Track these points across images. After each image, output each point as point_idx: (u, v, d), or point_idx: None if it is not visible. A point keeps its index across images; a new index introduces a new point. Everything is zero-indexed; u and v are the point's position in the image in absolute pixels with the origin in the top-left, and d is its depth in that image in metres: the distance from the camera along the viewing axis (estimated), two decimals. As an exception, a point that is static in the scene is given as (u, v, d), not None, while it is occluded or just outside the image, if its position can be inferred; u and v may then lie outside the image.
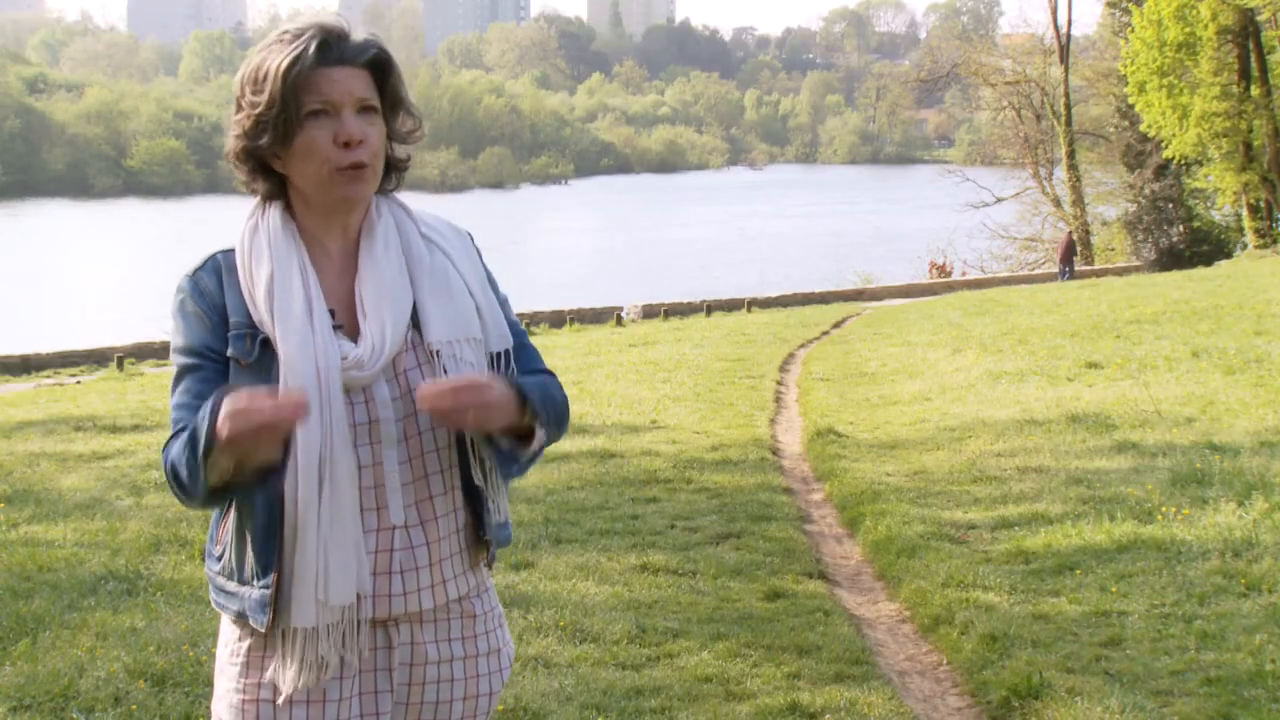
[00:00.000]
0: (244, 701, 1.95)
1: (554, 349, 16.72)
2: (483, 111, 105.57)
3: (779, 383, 12.66)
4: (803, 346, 16.52)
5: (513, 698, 4.09)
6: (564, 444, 8.70)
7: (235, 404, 1.72)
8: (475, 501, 2.02)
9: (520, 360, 2.08)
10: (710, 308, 25.57)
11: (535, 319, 23.44)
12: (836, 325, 19.87)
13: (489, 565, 2.09)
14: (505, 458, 2.00)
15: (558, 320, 23.74)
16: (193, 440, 1.80)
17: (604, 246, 56.73)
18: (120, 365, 18.24)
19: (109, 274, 44.00)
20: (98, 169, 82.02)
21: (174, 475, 1.87)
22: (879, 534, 6.38)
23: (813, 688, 4.28)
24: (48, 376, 18.27)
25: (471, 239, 2.12)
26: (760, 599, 5.31)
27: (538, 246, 58.13)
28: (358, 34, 1.94)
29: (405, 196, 2.10)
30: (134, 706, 3.98)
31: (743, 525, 6.53)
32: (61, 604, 5.03)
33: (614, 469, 7.92)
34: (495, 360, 2.03)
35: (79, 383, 16.53)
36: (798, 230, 62.67)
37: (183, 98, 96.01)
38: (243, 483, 1.82)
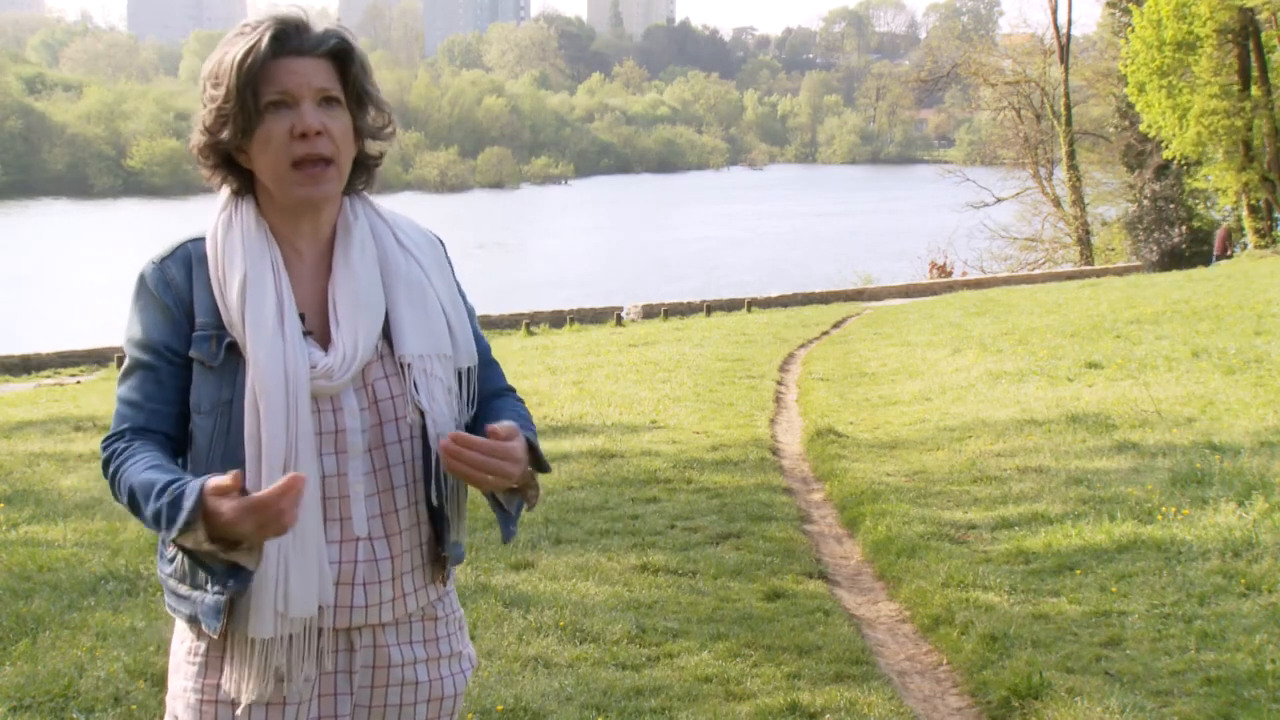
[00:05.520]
0: (201, 702, 1.92)
1: (554, 349, 16.71)
2: (483, 111, 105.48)
3: (779, 383, 12.65)
4: (803, 346, 16.52)
5: (513, 697, 4.09)
6: (564, 444, 8.70)
7: (225, 501, 1.67)
8: (438, 518, 1.99)
9: (485, 378, 2.07)
10: (710, 308, 25.55)
11: (535, 319, 23.42)
12: (836, 325, 19.87)
13: (444, 583, 2.05)
14: (504, 517, 1.99)
15: (558, 320, 23.72)
16: (172, 509, 1.71)
17: (604, 246, 56.70)
18: (120, 365, 18.23)
19: (109, 274, 43.98)
20: (98, 169, 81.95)
21: (130, 504, 1.81)
22: (879, 534, 6.38)
23: (813, 688, 4.27)
24: (48, 376, 18.27)
25: (444, 247, 2.08)
26: (760, 599, 5.31)
27: (538, 246, 58.10)
28: (321, 25, 1.91)
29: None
30: (134, 707, 3.98)
31: (743, 525, 6.53)
32: (61, 604, 5.03)
33: (614, 469, 7.92)
34: (461, 376, 2.01)
35: (79, 383, 16.54)
36: (798, 230, 62.65)
37: (182, 98, 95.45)
38: (210, 563, 1.76)
